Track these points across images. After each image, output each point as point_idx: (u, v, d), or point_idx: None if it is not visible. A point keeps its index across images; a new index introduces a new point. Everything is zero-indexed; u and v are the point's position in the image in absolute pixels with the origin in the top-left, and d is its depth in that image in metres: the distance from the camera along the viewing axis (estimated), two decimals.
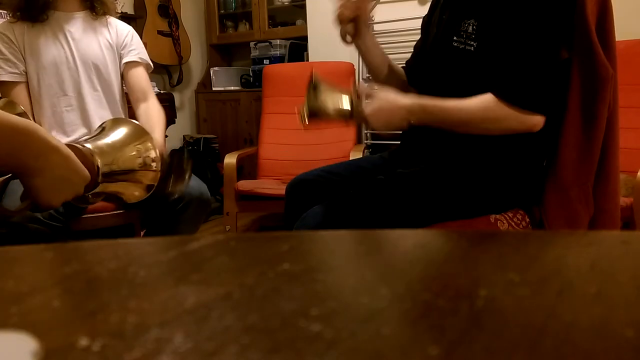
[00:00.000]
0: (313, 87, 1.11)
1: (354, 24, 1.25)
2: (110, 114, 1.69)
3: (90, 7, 1.67)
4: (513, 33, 1.03)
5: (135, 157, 0.92)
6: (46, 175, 0.73)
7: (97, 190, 0.87)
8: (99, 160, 0.86)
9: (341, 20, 1.23)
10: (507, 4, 1.05)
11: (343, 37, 1.28)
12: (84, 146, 0.86)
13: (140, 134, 0.96)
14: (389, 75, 1.32)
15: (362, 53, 1.30)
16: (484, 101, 1.04)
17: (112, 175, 0.89)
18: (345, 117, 1.11)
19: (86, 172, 0.79)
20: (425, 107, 1.08)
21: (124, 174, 0.92)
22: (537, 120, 1.04)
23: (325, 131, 2.73)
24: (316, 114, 1.10)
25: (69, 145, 0.80)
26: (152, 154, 0.95)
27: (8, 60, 1.56)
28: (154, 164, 0.95)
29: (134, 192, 0.96)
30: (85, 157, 0.82)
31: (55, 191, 0.75)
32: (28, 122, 0.71)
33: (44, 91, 1.60)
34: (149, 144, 0.95)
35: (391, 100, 1.09)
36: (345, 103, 1.11)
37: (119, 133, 0.94)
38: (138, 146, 0.93)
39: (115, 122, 0.98)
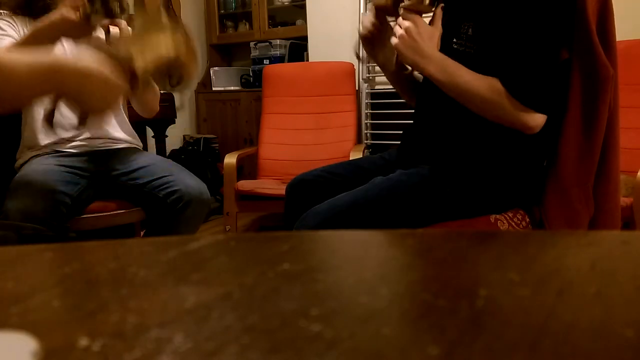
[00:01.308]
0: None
1: (372, 43, 1.26)
2: (112, 112, 1.69)
3: None
4: (512, 35, 1.03)
5: (171, 44, 0.92)
6: (86, 97, 0.78)
7: (144, 83, 0.89)
8: (135, 59, 0.86)
9: (361, 36, 1.26)
10: (504, 6, 1.05)
11: (356, 50, 1.31)
12: (118, 49, 0.86)
13: (168, 21, 0.95)
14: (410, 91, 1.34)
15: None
16: (491, 83, 1.04)
17: (155, 68, 0.90)
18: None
19: (121, 82, 0.82)
20: (446, 58, 1.07)
21: (166, 63, 0.91)
22: (537, 120, 1.03)
23: (326, 131, 2.73)
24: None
25: (102, 51, 0.82)
26: (183, 39, 0.94)
27: (8, 35, 1.55)
28: (190, 45, 0.94)
29: (191, 73, 0.95)
30: (119, 60, 0.84)
31: (100, 103, 0.81)
32: (53, 59, 0.77)
33: None
34: (182, 30, 0.94)
35: (431, 37, 1.07)
36: None
37: (150, 23, 0.93)
38: (170, 33, 0.93)
39: (142, 13, 0.95)
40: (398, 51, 1.11)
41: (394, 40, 1.09)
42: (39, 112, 1.60)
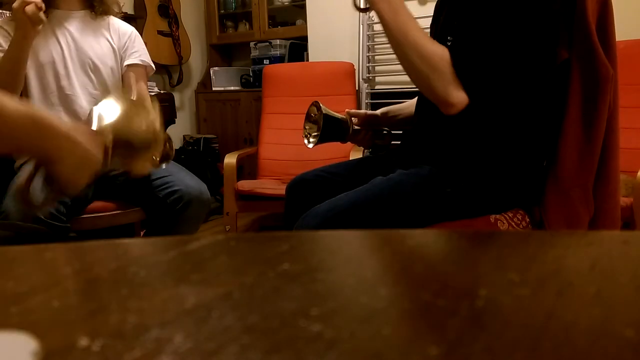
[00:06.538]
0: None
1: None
2: None
3: (89, 6, 1.67)
4: (485, 27, 1.03)
5: (142, 130, 0.92)
6: (64, 163, 0.76)
7: (109, 169, 0.89)
8: (107, 140, 0.86)
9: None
10: (494, 6, 1.05)
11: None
12: (89, 127, 0.87)
13: (140, 107, 0.94)
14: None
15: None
16: (439, 47, 1.04)
17: (122, 151, 0.90)
18: None
19: (97, 154, 0.81)
20: (401, 8, 1.06)
21: (134, 148, 0.91)
22: (458, 98, 1.03)
23: None
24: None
25: (76, 128, 0.82)
26: (157, 125, 0.94)
27: (4, 50, 1.55)
28: (160, 134, 0.94)
29: (144, 166, 0.96)
30: (94, 138, 0.84)
31: (75, 176, 0.79)
32: (41, 111, 0.75)
33: (41, 89, 1.60)
34: (152, 115, 0.94)
35: None
36: None
37: (121, 109, 0.93)
38: (142, 119, 0.93)
39: (113, 98, 0.97)
40: None
41: None
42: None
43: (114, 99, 0.97)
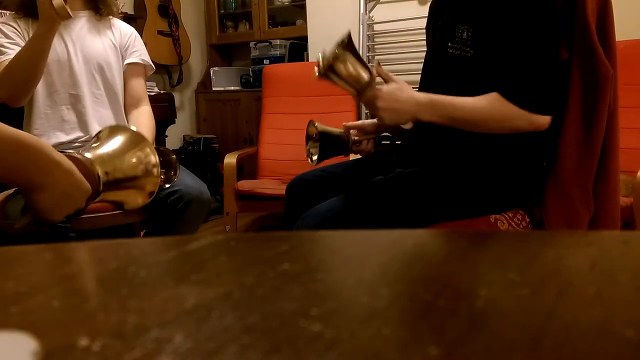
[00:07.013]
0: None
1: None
2: (112, 113, 1.69)
3: (94, 8, 1.68)
4: (511, 37, 1.04)
5: (136, 164, 0.92)
6: (50, 191, 0.74)
7: (98, 199, 0.88)
8: (99, 170, 0.86)
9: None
10: (501, 9, 1.05)
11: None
12: (83, 156, 0.86)
13: (138, 140, 0.96)
14: None
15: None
16: (491, 100, 1.04)
17: (114, 184, 0.89)
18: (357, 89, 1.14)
19: (87, 185, 0.80)
20: (434, 101, 1.08)
21: (126, 182, 0.91)
22: (544, 120, 1.04)
23: None
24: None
25: (69, 156, 0.80)
26: (152, 160, 0.94)
27: (16, 43, 1.56)
28: (155, 170, 0.95)
29: (136, 199, 0.96)
30: (86, 168, 0.83)
31: (58, 206, 0.77)
32: (32, 137, 0.73)
33: (46, 88, 1.60)
34: (148, 150, 0.94)
35: (402, 94, 1.09)
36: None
37: (117, 141, 0.94)
38: (138, 153, 0.93)
39: (112, 130, 0.97)
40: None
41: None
42: (41, 112, 1.61)
43: (115, 129, 0.97)
